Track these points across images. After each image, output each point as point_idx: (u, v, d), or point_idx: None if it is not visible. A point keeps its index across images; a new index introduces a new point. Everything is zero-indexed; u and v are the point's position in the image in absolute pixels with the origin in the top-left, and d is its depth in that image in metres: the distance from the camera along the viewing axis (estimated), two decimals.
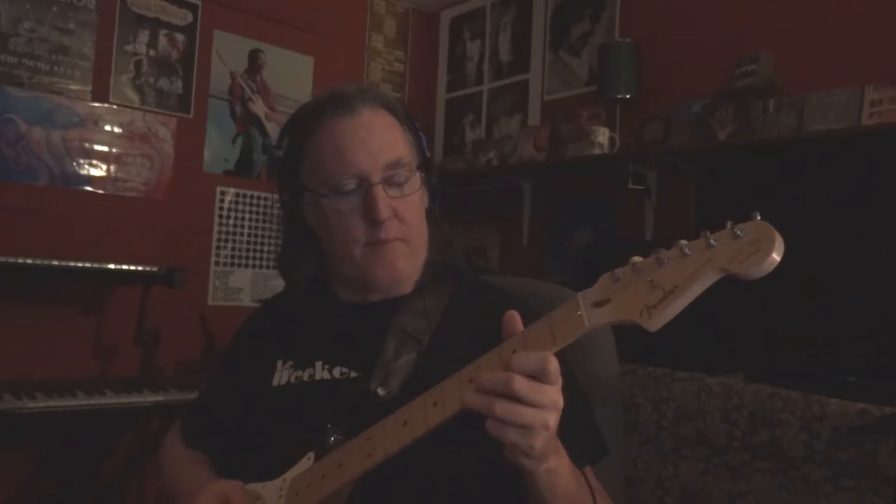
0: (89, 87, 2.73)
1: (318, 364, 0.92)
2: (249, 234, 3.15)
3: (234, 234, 3.11)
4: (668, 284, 0.59)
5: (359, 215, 0.89)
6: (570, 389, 0.84)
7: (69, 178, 2.69)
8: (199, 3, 3.01)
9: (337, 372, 0.91)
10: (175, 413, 2.46)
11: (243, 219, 3.14)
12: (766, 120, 2.26)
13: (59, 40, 2.65)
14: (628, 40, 2.75)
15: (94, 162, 2.75)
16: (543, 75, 3.22)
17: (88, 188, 2.73)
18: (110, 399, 2.22)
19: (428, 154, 0.99)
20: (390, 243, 0.90)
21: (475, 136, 3.49)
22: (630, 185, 2.64)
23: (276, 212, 1.07)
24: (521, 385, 0.62)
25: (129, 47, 2.84)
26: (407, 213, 0.90)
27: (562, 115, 3.04)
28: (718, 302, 2.26)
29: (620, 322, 0.61)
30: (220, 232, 3.08)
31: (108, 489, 2.61)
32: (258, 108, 3.21)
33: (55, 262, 2.35)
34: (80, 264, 2.41)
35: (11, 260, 2.23)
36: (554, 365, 0.63)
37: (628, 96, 2.73)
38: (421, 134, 0.98)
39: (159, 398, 2.33)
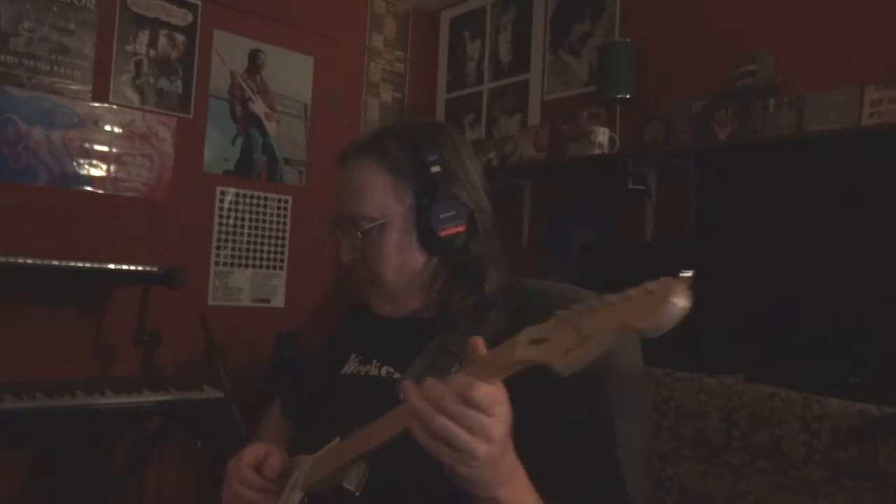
0: (89, 87, 2.73)
1: (374, 361, 1.01)
2: (249, 234, 3.15)
3: (234, 234, 3.11)
4: (586, 331, 0.59)
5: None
6: (583, 430, 0.85)
7: (69, 178, 2.69)
8: (199, 3, 3.01)
9: (384, 371, 0.98)
10: (175, 413, 2.47)
11: (243, 219, 3.14)
12: (766, 120, 2.26)
13: (59, 40, 2.65)
14: (628, 40, 2.75)
15: (94, 162, 2.75)
16: (543, 75, 3.22)
17: (88, 188, 2.74)
18: (110, 399, 2.22)
19: (435, 187, 0.95)
20: (362, 283, 0.99)
21: (475, 136, 3.49)
22: (630, 185, 2.64)
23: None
24: (452, 403, 0.63)
25: (129, 47, 2.84)
26: (371, 259, 0.96)
27: (562, 115, 3.04)
28: (718, 302, 2.26)
29: (542, 362, 0.62)
30: (220, 232, 3.08)
31: (108, 489, 2.61)
32: (258, 108, 3.21)
33: (55, 262, 2.35)
34: (80, 264, 2.41)
35: (11, 260, 2.23)
36: (479, 393, 0.63)
37: (628, 96, 2.73)
38: (430, 168, 0.95)
39: (159, 398, 2.33)
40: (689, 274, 0.59)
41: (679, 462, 1.95)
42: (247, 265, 3.15)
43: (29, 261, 2.27)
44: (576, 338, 0.59)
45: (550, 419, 0.83)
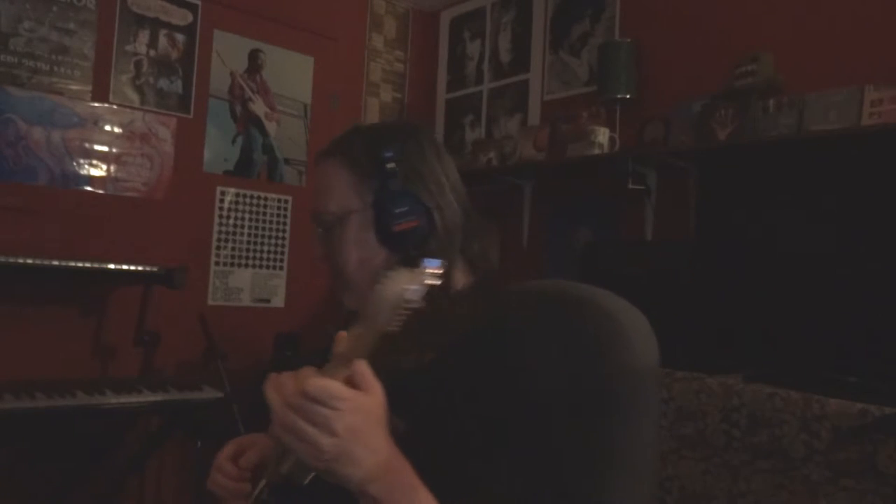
0: (89, 87, 2.73)
1: None
2: (249, 234, 3.15)
3: (234, 234, 3.11)
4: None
5: None
6: (536, 445, 0.83)
7: (69, 178, 2.69)
8: (199, 3, 3.01)
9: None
10: (175, 413, 2.47)
11: (243, 219, 3.14)
12: (766, 120, 2.26)
13: (59, 40, 2.65)
14: (628, 40, 2.75)
15: (94, 162, 2.75)
16: (543, 75, 3.22)
17: (88, 188, 2.74)
18: (110, 399, 2.22)
19: (390, 183, 0.96)
20: (333, 279, 1.01)
21: (475, 136, 3.49)
22: (630, 185, 2.64)
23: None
24: (293, 396, 0.67)
25: (129, 47, 2.84)
26: (334, 256, 0.99)
27: (562, 115, 3.04)
28: (719, 302, 2.26)
29: (344, 355, 0.69)
30: (220, 232, 3.08)
31: (108, 489, 2.61)
32: (258, 108, 3.21)
33: (55, 262, 2.35)
34: (80, 264, 2.41)
35: (11, 260, 2.23)
36: (314, 387, 0.66)
37: (628, 96, 2.73)
38: (386, 164, 0.96)
39: (159, 398, 2.33)
40: (431, 268, 0.66)
41: (679, 462, 1.95)
42: (247, 265, 3.15)
43: (29, 261, 2.28)
44: (365, 332, 0.67)
45: (484, 415, 0.83)
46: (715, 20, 2.58)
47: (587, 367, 0.98)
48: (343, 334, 0.72)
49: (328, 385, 0.67)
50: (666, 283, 2.15)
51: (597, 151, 2.69)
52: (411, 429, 0.80)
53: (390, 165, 0.95)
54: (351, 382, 0.69)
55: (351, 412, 0.67)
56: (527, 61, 3.30)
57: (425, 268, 0.66)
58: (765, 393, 1.80)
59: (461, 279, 0.98)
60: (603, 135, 2.71)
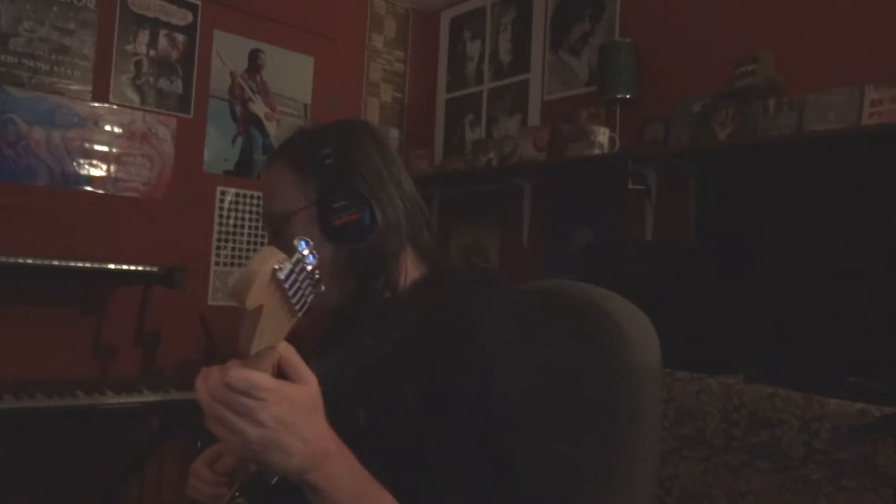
0: (89, 87, 2.73)
1: (312, 360, 1.04)
2: (249, 234, 3.15)
3: (234, 234, 3.11)
4: None
5: None
6: (460, 430, 0.82)
7: (69, 178, 2.69)
8: (199, 3, 3.01)
9: (316, 368, 1.00)
10: (175, 413, 2.46)
11: (243, 219, 3.14)
12: (766, 120, 2.26)
13: (59, 40, 2.65)
14: (628, 40, 2.75)
15: (94, 162, 2.75)
16: (543, 75, 3.22)
17: (88, 188, 2.74)
18: (110, 399, 2.22)
19: (330, 178, 0.98)
20: None
21: (475, 136, 3.49)
22: (630, 185, 2.64)
23: None
24: (218, 388, 0.67)
25: (129, 47, 2.84)
26: (285, 252, 1.00)
27: (562, 115, 3.04)
28: (718, 302, 2.26)
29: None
30: (220, 232, 3.08)
31: (108, 489, 2.61)
32: (258, 108, 3.21)
33: (55, 262, 2.35)
34: (80, 264, 2.41)
35: (11, 260, 2.23)
36: (234, 378, 0.67)
37: (628, 96, 2.73)
38: (324, 160, 0.98)
39: (159, 398, 2.33)
40: (301, 249, 0.67)
41: (679, 462, 1.95)
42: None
43: (29, 261, 2.28)
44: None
45: (428, 413, 0.83)
46: (715, 20, 2.58)
47: (589, 368, 0.98)
48: (242, 330, 0.73)
49: (250, 376, 0.67)
50: (666, 283, 2.15)
51: (597, 151, 2.69)
52: (371, 420, 0.82)
53: (328, 161, 0.97)
54: (283, 372, 0.70)
55: (276, 402, 0.68)
56: (527, 61, 3.30)
57: (296, 248, 0.67)
58: (765, 393, 1.80)
59: (413, 271, 0.99)
60: (603, 135, 2.71)
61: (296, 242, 0.67)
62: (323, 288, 0.70)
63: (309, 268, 0.67)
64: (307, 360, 1.01)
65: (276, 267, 0.64)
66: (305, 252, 0.67)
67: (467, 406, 0.83)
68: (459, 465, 0.82)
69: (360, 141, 1.01)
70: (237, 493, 0.87)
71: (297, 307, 0.68)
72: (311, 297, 0.69)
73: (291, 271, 0.65)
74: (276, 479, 0.75)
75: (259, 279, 0.64)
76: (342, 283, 0.98)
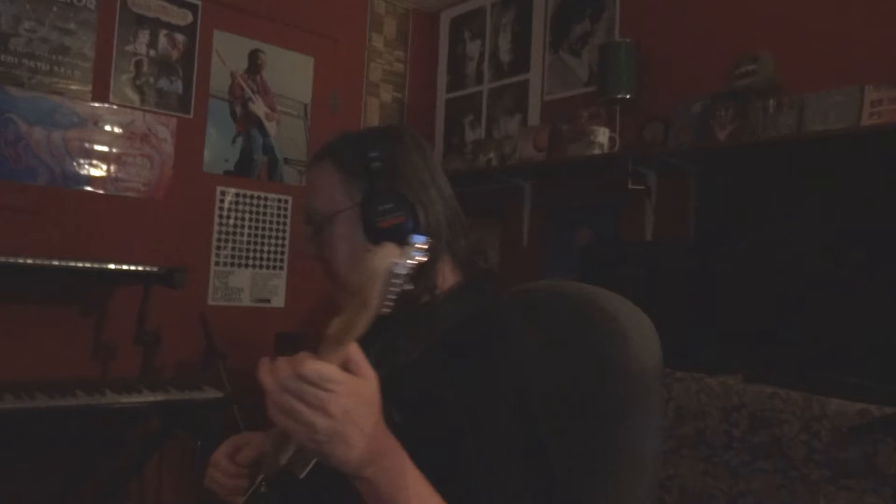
0: (89, 87, 2.73)
1: None
2: (249, 234, 3.15)
3: (234, 234, 3.11)
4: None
5: None
6: (491, 433, 0.84)
7: (69, 178, 2.69)
8: (199, 3, 3.01)
9: None
10: (175, 413, 2.46)
11: (243, 219, 3.14)
12: (766, 120, 2.26)
13: (59, 40, 2.65)
14: (628, 40, 2.75)
15: (94, 162, 2.75)
16: (543, 75, 3.22)
17: (88, 188, 2.74)
18: (110, 399, 2.22)
19: (376, 182, 0.99)
20: (327, 279, 1.03)
21: (475, 136, 3.49)
22: (630, 185, 2.64)
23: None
24: (289, 379, 0.68)
25: (129, 47, 2.84)
26: (327, 255, 1.01)
27: (562, 115, 3.04)
28: (719, 302, 2.26)
29: (334, 335, 0.71)
30: (220, 232, 3.08)
31: (108, 489, 2.61)
32: (258, 108, 3.21)
33: (55, 262, 2.35)
34: (80, 264, 2.41)
35: (11, 260, 2.23)
36: (307, 369, 0.68)
37: (628, 96, 2.73)
38: (372, 164, 1.00)
39: (159, 398, 2.33)
40: (419, 244, 0.69)
41: (679, 462, 1.95)
42: (247, 265, 3.15)
43: (29, 261, 2.27)
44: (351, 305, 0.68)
45: (452, 412, 0.84)
46: (715, 20, 2.58)
47: (589, 368, 0.99)
48: (336, 319, 0.73)
49: (323, 367, 0.68)
50: (666, 283, 2.15)
51: (597, 151, 2.69)
52: (405, 420, 0.82)
53: (375, 164, 0.99)
54: (345, 367, 0.70)
55: (345, 395, 0.69)
56: (527, 61, 3.30)
57: (413, 244, 0.68)
58: (765, 393, 1.80)
59: (450, 277, 1.00)
60: (603, 135, 2.71)
61: (415, 240, 0.68)
62: (411, 287, 0.71)
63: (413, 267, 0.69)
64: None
65: (395, 262, 0.66)
66: (425, 247, 0.68)
67: (504, 408, 0.85)
68: (498, 468, 0.83)
69: (405, 145, 1.03)
70: (262, 486, 0.88)
71: (387, 303, 0.70)
72: (397, 294, 0.71)
73: (406, 270, 0.67)
74: (305, 473, 0.76)
75: (382, 277, 0.66)
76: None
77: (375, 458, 0.72)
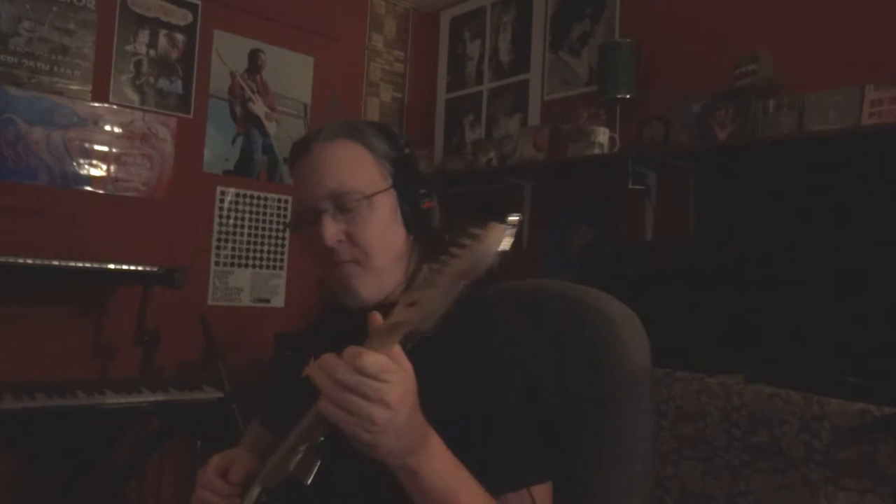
0: (89, 87, 2.73)
1: None
2: (249, 234, 3.15)
3: (234, 234, 3.11)
4: (434, 284, 0.66)
5: (317, 241, 0.97)
6: (523, 400, 0.88)
7: (69, 178, 2.69)
8: (199, 3, 3.01)
9: None
10: (175, 413, 2.46)
11: (243, 219, 3.14)
12: (766, 120, 2.26)
13: (59, 40, 2.65)
14: (628, 40, 2.75)
15: (94, 162, 2.75)
16: (543, 75, 3.22)
17: (88, 188, 2.74)
18: (110, 399, 2.22)
19: (415, 170, 1.02)
20: (343, 265, 0.97)
21: (475, 136, 3.49)
22: (630, 185, 2.64)
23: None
24: (343, 372, 0.68)
25: (129, 47, 2.84)
26: (359, 236, 0.96)
27: (562, 115, 3.04)
28: (718, 302, 2.26)
29: (405, 321, 0.68)
30: (220, 232, 3.08)
31: (108, 489, 2.61)
32: (258, 108, 3.21)
33: (55, 262, 2.35)
34: (80, 264, 2.41)
35: (11, 260, 2.23)
36: (367, 362, 0.68)
37: (628, 96, 2.73)
38: (406, 153, 1.02)
39: (159, 398, 2.33)
40: (515, 218, 0.65)
41: (679, 462, 1.95)
42: (247, 265, 3.15)
43: (29, 261, 2.27)
44: (429, 293, 0.66)
45: (478, 397, 0.87)
46: (715, 20, 2.58)
47: (581, 364, 1.00)
48: (376, 314, 0.73)
49: (380, 359, 0.69)
50: (666, 283, 2.15)
51: (597, 151, 2.69)
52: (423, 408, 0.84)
53: (407, 150, 1.01)
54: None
55: (400, 384, 0.70)
56: (527, 61, 3.30)
57: (510, 218, 0.66)
58: (765, 393, 1.80)
59: None
60: (603, 135, 2.71)
61: (511, 217, 0.66)
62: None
63: None
64: (307, 356, 1.01)
65: (506, 239, 0.65)
66: (517, 220, 0.67)
67: (518, 389, 0.88)
68: (518, 454, 0.85)
69: (409, 141, 1.06)
70: (262, 497, 0.87)
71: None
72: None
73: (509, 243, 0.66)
74: (311, 477, 0.76)
75: (496, 258, 0.65)
76: (405, 270, 1.01)
77: (418, 445, 0.74)
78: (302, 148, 1.01)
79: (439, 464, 0.77)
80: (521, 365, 0.90)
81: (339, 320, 1.06)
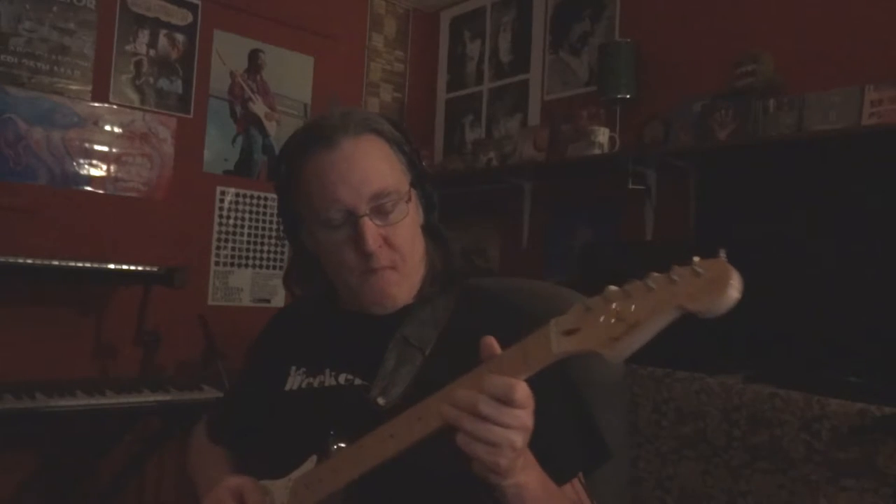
0: (89, 87, 2.73)
1: (327, 371, 0.95)
2: (249, 234, 3.15)
3: (234, 234, 3.11)
4: (632, 319, 0.61)
5: (350, 246, 0.89)
6: (565, 397, 0.87)
7: (69, 178, 2.69)
8: (199, 3, 3.01)
9: (343, 379, 0.93)
10: (175, 413, 2.46)
11: (243, 219, 3.14)
12: (766, 120, 2.26)
13: (59, 40, 2.65)
14: (628, 40, 2.75)
15: (94, 162, 2.75)
16: (543, 75, 3.22)
17: (88, 188, 2.73)
18: (110, 399, 2.22)
19: (423, 166, 0.98)
20: (381, 272, 0.90)
21: (475, 136, 3.49)
22: (630, 185, 2.64)
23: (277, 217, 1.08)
24: (487, 406, 0.65)
25: (129, 47, 2.84)
26: (397, 239, 0.90)
27: (562, 115, 3.03)
28: None
29: (586, 351, 0.64)
30: (220, 232, 3.08)
31: (108, 489, 2.61)
32: (258, 108, 3.21)
33: (55, 262, 2.35)
34: (80, 264, 2.41)
35: (11, 260, 2.23)
36: (521, 392, 0.66)
37: (628, 96, 2.73)
38: (416, 148, 0.97)
39: (159, 398, 2.33)
40: (723, 255, 0.62)
41: (679, 462, 1.95)
42: (247, 265, 3.15)
43: (29, 261, 2.28)
44: (618, 326, 0.61)
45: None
46: (715, 20, 2.57)
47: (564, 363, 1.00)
48: (492, 339, 0.69)
49: (518, 385, 0.66)
50: None
51: (597, 151, 2.69)
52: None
53: (415, 147, 0.97)
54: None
55: (531, 406, 0.68)
56: (527, 61, 3.30)
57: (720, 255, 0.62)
58: (765, 393, 1.80)
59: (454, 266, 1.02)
60: (603, 135, 2.71)
61: (722, 254, 0.63)
62: None
63: None
64: (299, 366, 0.98)
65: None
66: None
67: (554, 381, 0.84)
68: (563, 445, 0.84)
69: None
70: None
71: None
72: None
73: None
74: None
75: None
76: (421, 274, 0.97)
77: (527, 462, 0.72)
78: (325, 142, 0.90)
79: (538, 475, 0.75)
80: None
81: (321, 324, 1.01)
